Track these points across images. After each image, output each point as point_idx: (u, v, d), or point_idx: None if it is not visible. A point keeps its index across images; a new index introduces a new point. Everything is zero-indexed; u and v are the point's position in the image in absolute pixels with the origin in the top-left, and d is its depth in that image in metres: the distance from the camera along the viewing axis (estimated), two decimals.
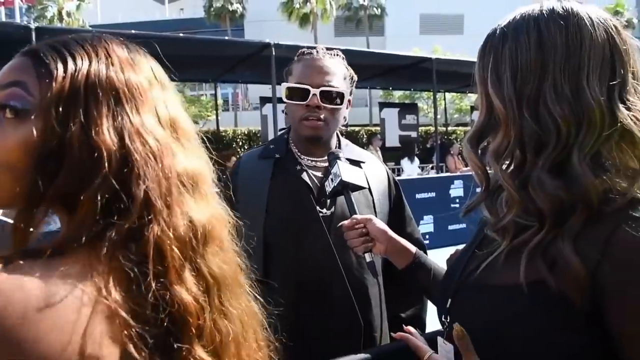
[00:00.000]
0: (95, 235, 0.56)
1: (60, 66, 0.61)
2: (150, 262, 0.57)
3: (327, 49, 1.68)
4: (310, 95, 1.55)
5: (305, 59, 1.62)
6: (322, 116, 1.57)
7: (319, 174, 1.62)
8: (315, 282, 1.51)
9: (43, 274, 0.52)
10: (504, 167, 0.88)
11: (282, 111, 1.85)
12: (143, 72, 0.67)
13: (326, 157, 1.61)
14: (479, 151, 0.91)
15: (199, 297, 0.60)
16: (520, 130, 0.84)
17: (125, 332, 0.54)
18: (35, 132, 0.58)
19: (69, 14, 31.24)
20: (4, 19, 28.11)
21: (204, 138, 0.75)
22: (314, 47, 1.67)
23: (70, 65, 0.62)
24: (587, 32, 0.83)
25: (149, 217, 0.58)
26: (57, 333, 0.50)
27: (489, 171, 0.91)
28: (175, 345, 0.56)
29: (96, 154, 0.58)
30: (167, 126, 0.65)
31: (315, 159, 1.64)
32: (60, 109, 0.59)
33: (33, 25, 6.72)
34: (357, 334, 1.51)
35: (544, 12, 0.87)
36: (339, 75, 1.61)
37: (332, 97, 1.58)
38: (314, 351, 1.44)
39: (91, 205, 0.57)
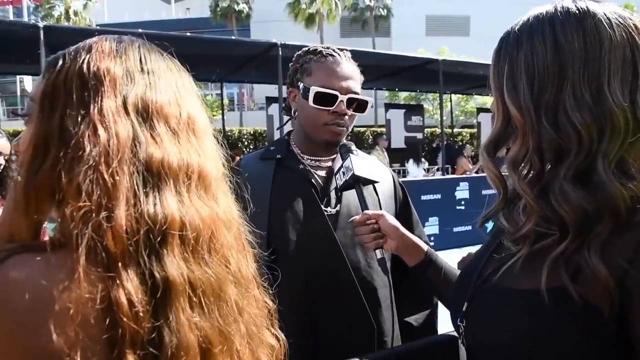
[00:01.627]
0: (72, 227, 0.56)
1: (50, 70, 0.65)
2: (82, 257, 0.53)
3: (339, 49, 1.65)
4: (338, 101, 1.53)
5: (328, 61, 1.57)
6: (345, 123, 1.56)
7: (322, 173, 1.60)
8: (323, 283, 1.47)
9: (35, 268, 0.54)
10: (522, 174, 0.85)
11: (282, 110, 1.80)
12: (125, 62, 0.66)
13: (328, 157, 1.62)
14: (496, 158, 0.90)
15: (138, 302, 0.54)
16: (538, 139, 0.82)
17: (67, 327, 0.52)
18: (29, 131, 0.63)
19: (75, 13, 31.39)
20: (12, 18, 28.24)
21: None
22: (329, 48, 1.63)
23: (58, 67, 0.65)
24: (605, 34, 0.79)
25: (93, 205, 0.56)
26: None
27: (506, 180, 0.88)
28: (103, 346, 0.54)
29: (66, 147, 0.59)
30: (137, 115, 0.63)
31: (317, 159, 1.62)
32: (45, 106, 0.63)
33: (41, 24, 6.75)
34: (369, 337, 1.48)
35: (559, 13, 0.83)
36: (359, 81, 1.60)
37: (358, 104, 1.58)
38: (324, 354, 1.42)
39: (66, 196, 0.57)
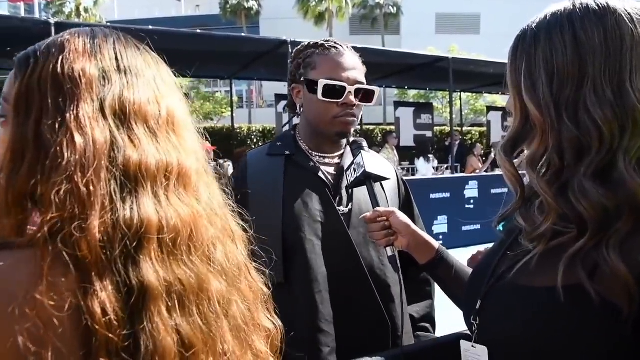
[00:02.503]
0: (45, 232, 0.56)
1: (23, 69, 0.64)
2: (45, 265, 0.53)
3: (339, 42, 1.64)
4: (346, 93, 1.52)
5: (332, 54, 1.57)
6: (354, 113, 1.56)
7: (331, 170, 1.59)
8: (338, 282, 1.47)
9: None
10: (540, 173, 0.84)
11: (284, 109, 1.82)
12: (100, 62, 0.64)
13: (336, 154, 1.62)
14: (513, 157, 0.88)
15: (112, 310, 0.53)
16: (559, 137, 0.81)
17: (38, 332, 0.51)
18: (6, 134, 0.62)
19: (86, 10, 31.65)
20: (23, 15, 28.48)
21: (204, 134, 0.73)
22: (331, 41, 1.62)
23: (31, 66, 0.63)
24: (627, 30, 0.78)
25: (66, 215, 0.55)
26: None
27: (523, 179, 0.87)
28: (80, 353, 0.53)
29: (42, 154, 0.58)
30: (115, 118, 0.61)
31: (325, 155, 1.61)
32: (20, 110, 0.61)
33: (52, 21, 6.80)
34: (385, 334, 1.48)
35: (578, 9, 0.82)
36: (363, 71, 1.60)
37: (366, 94, 1.57)
38: (340, 351, 1.42)
39: (41, 204, 0.57)
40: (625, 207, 0.74)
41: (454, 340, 1.00)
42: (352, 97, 1.53)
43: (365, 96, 1.58)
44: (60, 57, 0.63)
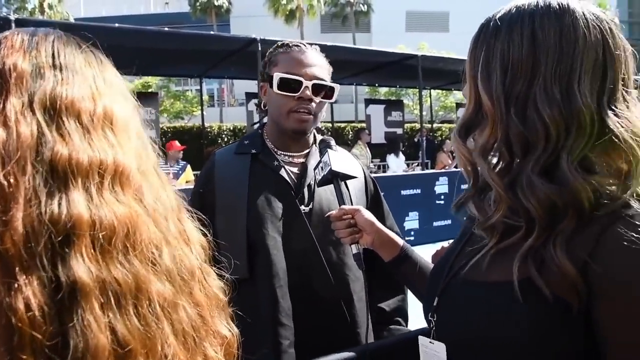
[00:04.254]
0: None
1: None
2: None
3: (309, 44, 1.68)
4: (303, 87, 1.54)
5: (293, 51, 1.60)
6: (312, 109, 1.57)
7: (295, 169, 1.62)
8: (300, 279, 1.51)
9: None
10: (492, 164, 0.86)
11: (255, 104, 1.84)
12: (35, 57, 0.63)
13: (301, 153, 1.64)
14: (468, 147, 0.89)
15: (37, 307, 0.52)
16: (507, 130, 0.82)
17: None
18: None
19: (50, 6, 30.74)
20: None
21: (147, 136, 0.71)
22: (298, 42, 1.66)
23: None
24: (581, 34, 0.79)
25: None
26: None
27: (478, 167, 0.88)
28: (2, 349, 0.52)
29: None
30: (44, 113, 0.60)
31: (291, 154, 1.64)
32: None
33: (13, 17, 6.60)
34: (343, 330, 1.52)
35: (541, 6, 0.83)
36: (326, 70, 1.62)
37: (324, 91, 1.59)
38: (300, 347, 1.45)
39: None
40: (570, 206, 0.76)
41: (415, 337, 1.01)
42: (308, 92, 1.54)
43: (326, 93, 1.59)
44: None
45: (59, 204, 0.56)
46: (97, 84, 0.66)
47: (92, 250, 0.57)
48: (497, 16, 0.87)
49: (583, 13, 0.81)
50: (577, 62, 0.79)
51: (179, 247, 0.67)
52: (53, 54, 0.65)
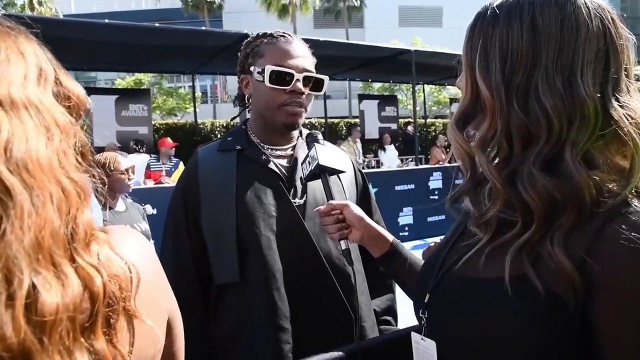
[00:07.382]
0: None
1: None
2: None
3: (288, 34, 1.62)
4: (294, 80, 1.50)
5: (280, 41, 1.55)
6: (303, 102, 1.53)
7: (284, 162, 1.57)
8: (297, 275, 1.45)
9: None
10: (490, 157, 0.83)
11: (234, 100, 1.73)
12: None
13: (288, 145, 1.60)
14: (466, 138, 0.87)
15: None
16: (507, 122, 0.80)
17: None
18: None
19: (40, 3, 30.45)
20: None
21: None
22: (278, 31, 1.60)
23: None
24: (583, 23, 0.78)
25: None
26: None
27: (476, 160, 0.86)
28: None
29: None
30: None
31: (277, 147, 1.59)
32: None
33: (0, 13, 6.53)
34: (348, 324, 1.44)
35: None
36: (312, 60, 1.59)
37: (315, 83, 1.55)
38: (300, 349, 1.39)
39: None
40: (570, 201, 0.74)
41: (408, 334, 1.00)
42: (300, 85, 1.51)
43: (315, 85, 1.56)
44: None
45: None
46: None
47: None
48: (495, 4, 0.84)
49: (585, 2, 0.79)
50: (580, 51, 0.77)
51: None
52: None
